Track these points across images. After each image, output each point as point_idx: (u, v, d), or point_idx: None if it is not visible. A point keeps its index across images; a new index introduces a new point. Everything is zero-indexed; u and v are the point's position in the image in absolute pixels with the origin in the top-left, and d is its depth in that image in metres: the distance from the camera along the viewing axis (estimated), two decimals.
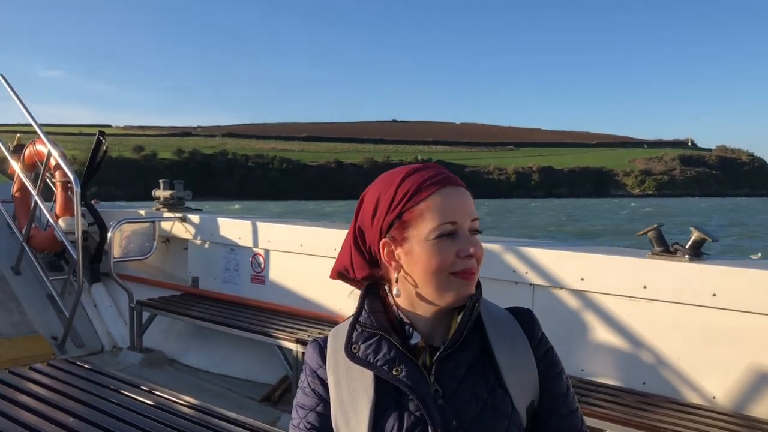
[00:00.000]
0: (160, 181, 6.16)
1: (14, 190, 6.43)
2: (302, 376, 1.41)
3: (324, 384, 1.36)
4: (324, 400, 1.36)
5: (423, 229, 1.27)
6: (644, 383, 3.43)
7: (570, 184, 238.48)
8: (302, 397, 1.39)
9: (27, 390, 3.47)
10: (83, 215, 5.66)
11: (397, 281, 1.33)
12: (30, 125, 5.95)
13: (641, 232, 3.53)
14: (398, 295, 1.34)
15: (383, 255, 1.33)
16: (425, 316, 1.32)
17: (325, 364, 1.37)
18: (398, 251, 1.31)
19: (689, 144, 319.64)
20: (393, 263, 1.32)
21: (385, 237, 1.31)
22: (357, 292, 1.40)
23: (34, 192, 5.90)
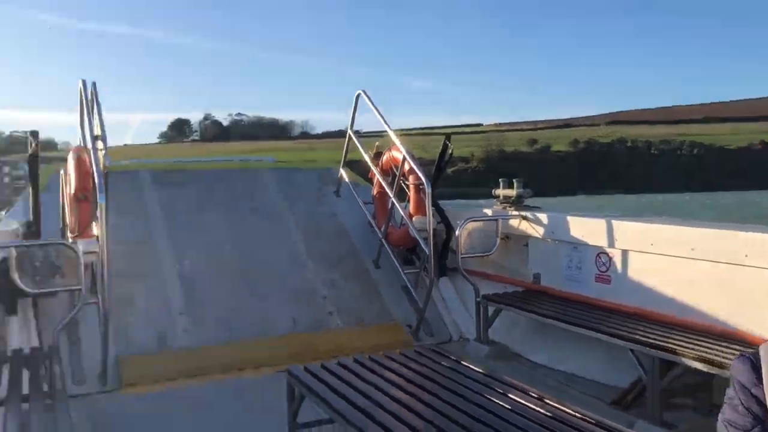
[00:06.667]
0: (500, 180, 6.38)
1: (374, 192, 7.28)
2: (730, 392, 1.33)
3: (760, 404, 1.27)
4: (761, 422, 1.27)
5: None
6: None
7: None
8: (733, 414, 1.32)
9: (395, 372, 3.77)
10: (432, 214, 6.13)
11: None
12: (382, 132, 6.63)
13: None
14: None
15: None
16: None
17: (761, 383, 1.28)
18: None
19: None
20: None
21: None
22: None
23: (390, 194, 6.58)
